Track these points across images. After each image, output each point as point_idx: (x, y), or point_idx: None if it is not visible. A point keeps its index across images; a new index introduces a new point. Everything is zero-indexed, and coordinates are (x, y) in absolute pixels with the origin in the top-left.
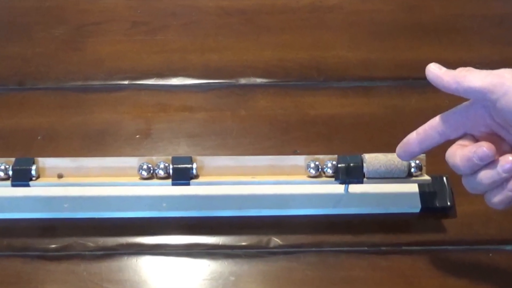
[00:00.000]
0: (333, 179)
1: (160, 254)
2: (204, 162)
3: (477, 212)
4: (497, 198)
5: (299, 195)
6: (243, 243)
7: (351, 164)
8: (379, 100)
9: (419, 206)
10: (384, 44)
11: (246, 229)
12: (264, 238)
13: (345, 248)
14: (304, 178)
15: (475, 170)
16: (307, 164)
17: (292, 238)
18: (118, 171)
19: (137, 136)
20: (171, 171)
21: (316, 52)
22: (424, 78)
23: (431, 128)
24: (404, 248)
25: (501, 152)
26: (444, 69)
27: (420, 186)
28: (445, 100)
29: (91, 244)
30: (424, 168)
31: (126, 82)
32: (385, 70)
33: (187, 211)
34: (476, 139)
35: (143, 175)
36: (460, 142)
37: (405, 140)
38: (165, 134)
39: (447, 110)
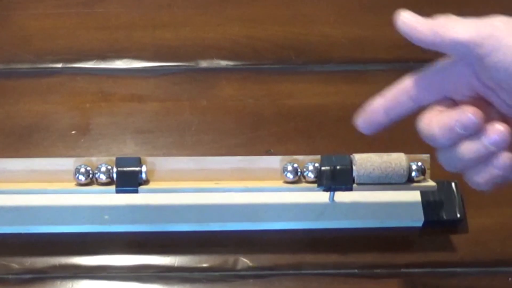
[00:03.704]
0: (315, 185)
1: (102, 278)
2: (156, 164)
3: (493, 226)
4: (481, 177)
5: (273, 205)
6: (204, 265)
7: (338, 167)
8: (372, 87)
9: (422, 218)
10: (379, 19)
11: (208, 247)
12: (230, 259)
13: (330, 271)
14: (280, 184)
15: (456, 142)
16: (284, 167)
17: (264, 258)
18: (50, 175)
19: (73, 132)
20: (115, 176)
21: (295, 29)
22: (428, 60)
23: (401, 92)
24: (403, 270)
25: (487, 120)
26: (419, 17)
27: (423, 194)
28: None
29: (15, 266)
30: (428, 171)
31: (59, 65)
32: (380, 51)
33: (134, 225)
34: (457, 105)
35: (81, 180)
36: (437, 107)
37: (369, 107)
38: (107, 129)
39: None
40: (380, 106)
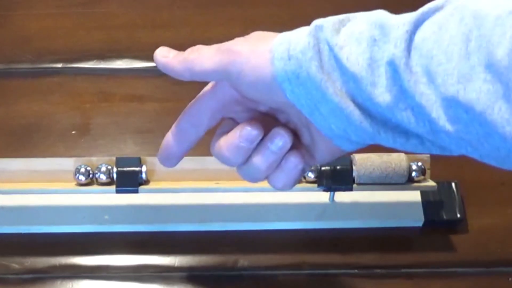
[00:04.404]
0: (315, 185)
1: (102, 278)
2: (156, 164)
3: (493, 226)
4: (281, 181)
5: (273, 205)
6: (204, 265)
7: (338, 167)
8: None
9: (422, 218)
10: None
11: (208, 247)
12: (230, 258)
13: (330, 271)
14: None
15: (248, 157)
16: None
17: (264, 258)
18: (50, 175)
19: (73, 132)
20: (115, 176)
21: (295, 28)
22: None
23: (184, 122)
24: (403, 270)
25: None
26: (173, 53)
27: (423, 194)
28: None
29: (16, 266)
30: (428, 171)
31: (59, 65)
32: None
33: (135, 225)
34: (238, 123)
35: (81, 180)
36: (220, 130)
37: (163, 143)
38: (107, 129)
39: None
40: (171, 141)
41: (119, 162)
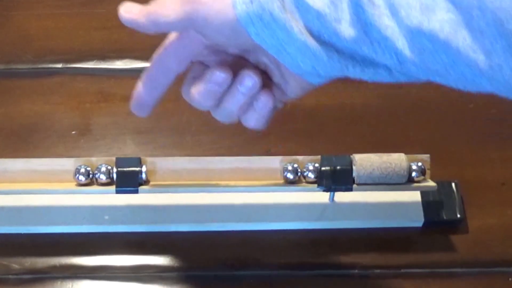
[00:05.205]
0: (315, 185)
1: (102, 278)
2: (156, 164)
3: (493, 227)
4: (253, 120)
5: (273, 205)
6: (204, 265)
7: (338, 167)
8: (372, 87)
9: (422, 219)
10: None
11: (207, 247)
12: (230, 259)
13: (330, 271)
14: (280, 184)
15: (219, 99)
16: (284, 167)
17: (264, 258)
18: (50, 175)
19: (73, 132)
20: (115, 176)
21: None
22: None
23: (154, 69)
24: (403, 271)
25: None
26: (138, 8)
27: (423, 194)
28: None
29: (15, 266)
30: (428, 171)
31: (59, 65)
32: None
33: (134, 225)
34: (208, 67)
35: (81, 180)
36: (190, 74)
37: (134, 93)
38: (107, 129)
39: (460, 102)
40: (141, 89)
41: (119, 162)
